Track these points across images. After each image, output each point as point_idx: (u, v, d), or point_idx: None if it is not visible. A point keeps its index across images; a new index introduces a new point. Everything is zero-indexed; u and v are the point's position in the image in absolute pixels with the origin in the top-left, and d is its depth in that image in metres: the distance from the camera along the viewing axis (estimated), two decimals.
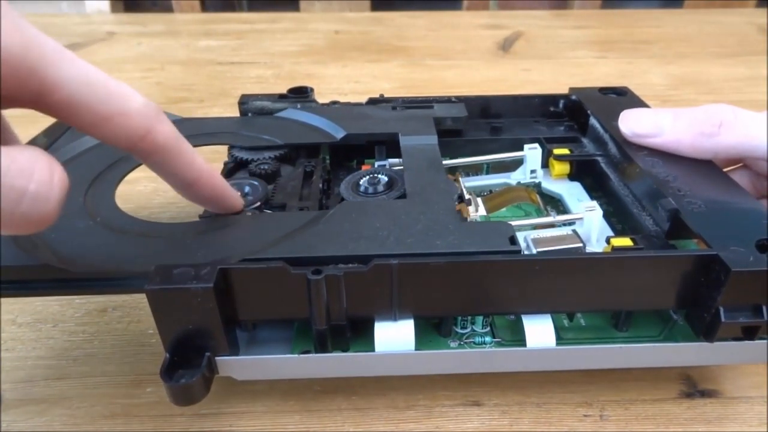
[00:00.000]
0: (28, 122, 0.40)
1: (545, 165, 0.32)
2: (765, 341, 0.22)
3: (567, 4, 0.88)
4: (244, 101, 0.34)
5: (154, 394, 0.25)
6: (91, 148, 0.30)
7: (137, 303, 0.30)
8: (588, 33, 0.75)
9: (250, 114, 0.34)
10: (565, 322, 0.24)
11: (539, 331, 0.22)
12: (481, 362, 0.23)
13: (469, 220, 0.26)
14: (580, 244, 0.24)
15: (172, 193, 0.39)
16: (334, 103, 0.35)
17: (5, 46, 0.14)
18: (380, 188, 0.26)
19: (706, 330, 0.21)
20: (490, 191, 0.32)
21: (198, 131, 0.32)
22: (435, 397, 0.25)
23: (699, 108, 0.26)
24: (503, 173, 0.33)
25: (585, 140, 0.33)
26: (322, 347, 0.22)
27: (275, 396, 0.25)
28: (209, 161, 0.44)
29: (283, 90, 0.35)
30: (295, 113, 0.34)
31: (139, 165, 0.29)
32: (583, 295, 0.21)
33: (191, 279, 0.19)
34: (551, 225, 0.27)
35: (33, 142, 0.29)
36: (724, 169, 0.27)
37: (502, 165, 0.33)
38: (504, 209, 0.30)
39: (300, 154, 0.31)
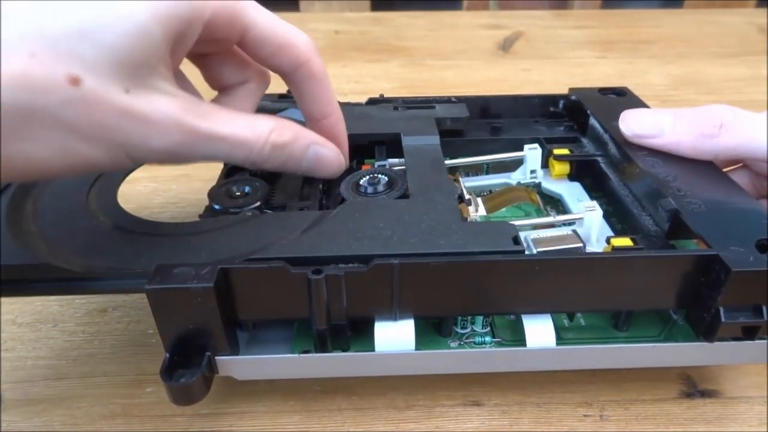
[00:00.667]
0: None
1: (545, 165, 0.32)
2: (765, 341, 0.22)
3: (567, 4, 0.87)
4: None
5: (154, 394, 0.25)
6: None
7: (137, 303, 0.30)
8: (588, 33, 0.75)
9: None
10: (566, 322, 0.24)
11: (539, 331, 0.22)
12: (481, 362, 0.23)
13: (468, 220, 0.26)
14: (580, 244, 0.24)
15: (172, 193, 0.40)
16: None
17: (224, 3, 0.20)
18: (380, 188, 0.26)
19: (705, 330, 0.21)
20: (490, 191, 0.32)
21: None
22: (435, 397, 0.25)
23: (699, 109, 0.26)
24: (503, 173, 0.33)
25: (585, 140, 0.33)
26: (322, 347, 0.22)
27: (275, 396, 0.25)
28: None
29: (284, 90, 0.35)
30: (296, 113, 0.33)
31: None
32: (583, 295, 0.21)
33: (192, 278, 0.19)
34: (551, 225, 0.27)
35: None
36: (724, 169, 0.27)
37: (502, 165, 0.33)
38: (504, 209, 0.30)
39: None
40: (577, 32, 0.75)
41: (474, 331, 0.24)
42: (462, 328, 0.24)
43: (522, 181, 0.32)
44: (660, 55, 0.68)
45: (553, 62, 0.66)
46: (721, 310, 0.20)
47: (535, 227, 0.27)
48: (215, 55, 0.23)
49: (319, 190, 0.28)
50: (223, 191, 0.27)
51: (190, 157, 0.20)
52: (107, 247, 0.22)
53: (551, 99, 0.36)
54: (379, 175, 0.27)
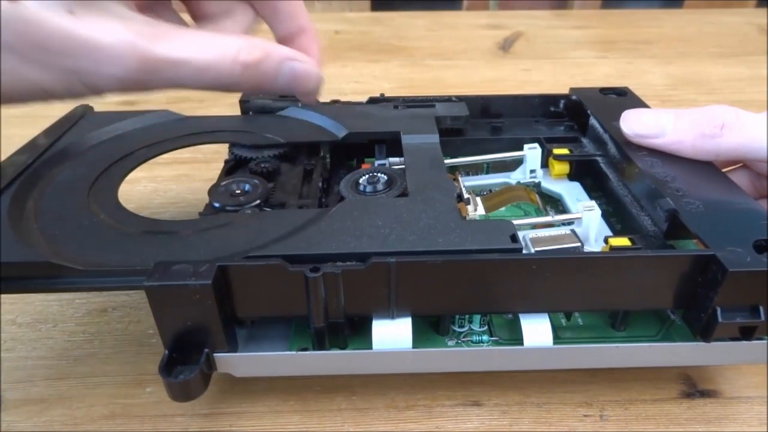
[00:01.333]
0: (28, 122, 0.41)
1: (545, 165, 0.32)
2: (764, 341, 0.22)
3: (567, 4, 0.87)
4: (245, 100, 0.34)
5: (154, 394, 0.25)
6: (94, 146, 0.30)
7: (137, 303, 0.30)
8: (588, 33, 0.75)
9: (251, 113, 0.34)
10: (563, 321, 0.24)
11: (536, 330, 0.22)
12: (478, 361, 0.23)
13: (467, 219, 0.26)
14: (578, 244, 0.24)
15: (172, 193, 0.40)
16: (335, 102, 0.36)
17: None
18: (380, 187, 0.26)
19: (703, 330, 0.21)
20: (490, 191, 0.32)
21: (199, 129, 0.32)
22: (435, 397, 0.25)
23: (701, 109, 0.26)
24: (503, 173, 0.33)
25: (585, 140, 0.33)
26: (320, 345, 0.22)
27: (275, 396, 0.25)
28: (210, 160, 0.45)
29: None
30: (296, 112, 0.34)
31: (141, 164, 0.30)
32: (581, 295, 0.22)
33: (190, 276, 0.19)
34: (550, 224, 0.27)
35: (33, 143, 0.30)
36: (724, 169, 0.27)
37: (501, 164, 0.33)
38: (503, 209, 0.30)
39: (301, 152, 0.31)
40: (577, 32, 0.75)
41: (471, 329, 0.24)
42: (459, 326, 0.24)
43: (521, 181, 0.32)
44: (660, 55, 0.68)
45: (553, 62, 0.66)
46: (719, 310, 0.20)
47: (534, 227, 0.27)
48: None
49: (319, 189, 0.28)
50: (223, 189, 0.27)
51: (155, 84, 0.19)
52: (107, 244, 0.22)
53: (551, 99, 0.36)
54: (379, 174, 0.27)
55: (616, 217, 0.28)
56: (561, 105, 0.36)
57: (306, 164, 0.30)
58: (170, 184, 0.41)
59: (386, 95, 0.36)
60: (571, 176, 0.31)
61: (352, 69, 0.64)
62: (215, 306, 0.20)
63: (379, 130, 0.31)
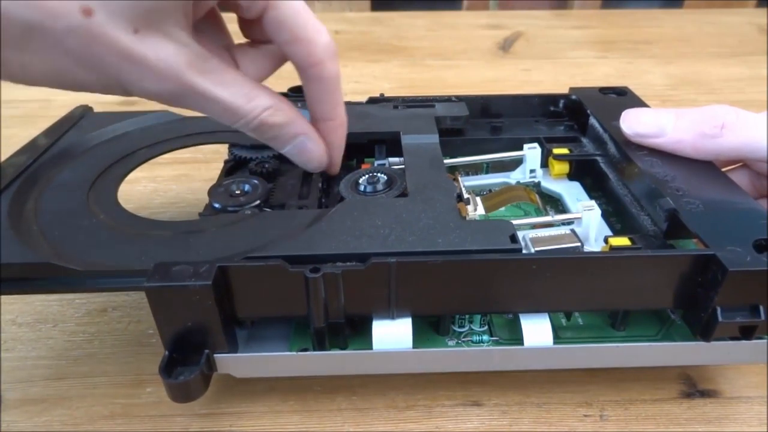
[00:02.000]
0: (28, 123, 0.41)
1: (545, 164, 0.32)
2: (764, 341, 0.22)
3: (567, 4, 0.87)
4: None
5: (154, 394, 0.25)
6: (94, 146, 0.30)
7: (137, 303, 0.30)
8: (588, 33, 0.75)
9: None
10: (563, 321, 0.24)
11: (536, 330, 0.22)
12: (478, 361, 0.23)
13: (467, 219, 0.26)
14: (578, 244, 0.24)
15: (172, 194, 0.40)
16: None
17: None
18: (379, 187, 0.26)
19: (703, 330, 0.21)
20: (490, 190, 0.32)
21: (199, 130, 0.32)
22: (435, 397, 0.25)
23: (701, 109, 0.26)
24: (503, 173, 0.33)
25: (585, 140, 0.33)
26: (320, 345, 0.22)
27: (275, 396, 0.25)
28: (210, 160, 0.45)
29: (284, 89, 0.35)
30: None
31: (141, 164, 0.30)
32: (581, 295, 0.22)
33: (190, 276, 0.19)
34: (550, 224, 0.27)
35: (33, 143, 0.30)
36: (724, 169, 0.27)
37: (501, 164, 0.33)
38: (503, 208, 0.30)
39: None
40: (577, 32, 0.75)
41: (472, 329, 0.24)
42: (460, 326, 0.24)
43: (521, 181, 0.32)
44: (660, 55, 0.68)
45: (553, 62, 0.66)
46: (718, 309, 0.20)
47: (534, 226, 0.27)
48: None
49: (319, 189, 0.28)
50: (222, 190, 0.27)
51: (182, 105, 0.21)
52: (107, 245, 0.22)
53: (551, 98, 0.36)
54: (378, 174, 0.27)
55: (616, 216, 0.28)
56: (561, 105, 0.36)
57: None
58: (170, 184, 0.41)
59: (386, 95, 0.36)
60: (571, 176, 0.31)
61: (352, 69, 0.64)
62: (215, 307, 0.20)
63: (379, 130, 0.31)
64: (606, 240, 0.23)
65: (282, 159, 0.30)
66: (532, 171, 0.32)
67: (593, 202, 0.26)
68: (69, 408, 0.25)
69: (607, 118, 0.31)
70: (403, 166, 0.28)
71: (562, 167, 0.31)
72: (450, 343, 0.23)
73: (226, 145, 0.32)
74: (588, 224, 0.26)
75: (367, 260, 0.20)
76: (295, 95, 0.35)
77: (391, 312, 0.21)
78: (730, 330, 0.21)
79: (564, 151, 0.31)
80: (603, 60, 0.66)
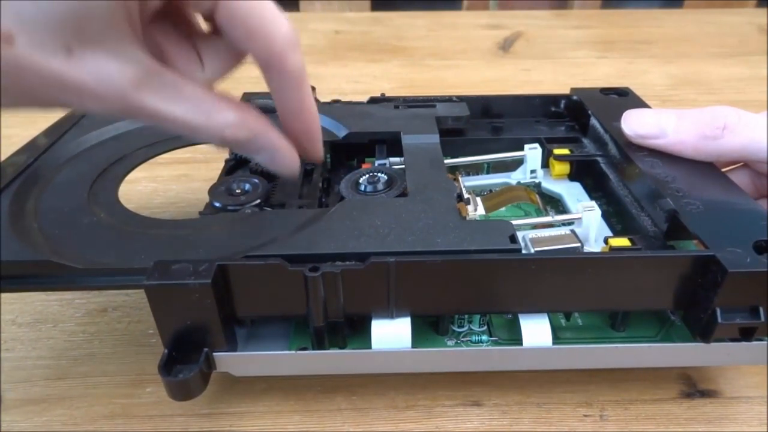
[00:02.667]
0: (28, 122, 0.41)
1: (545, 165, 0.32)
2: (764, 342, 0.22)
3: (567, 4, 0.87)
4: (246, 100, 0.34)
5: (154, 394, 0.25)
6: (94, 145, 0.30)
7: (137, 303, 0.30)
8: (588, 33, 0.75)
9: None
10: (563, 321, 0.24)
11: (535, 330, 0.22)
12: (477, 361, 0.23)
13: (467, 219, 0.26)
14: (578, 244, 0.24)
15: (172, 193, 0.40)
16: (336, 102, 0.35)
17: None
18: (380, 187, 0.26)
19: (702, 331, 0.21)
20: (490, 191, 0.32)
21: None
22: (435, 397, 0.25)
23: (702, 110, 0.26)
24: (503, 173, 0.33)
25: (585, 140, 0.33)
26: (319, 344, 0.22)
27: (275, 396, 0.25)
28: (210, 160, 0.45)
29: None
30: None
31: (141, 163, 0.30)
32: (580, 295, 0.21)
33: (189, 275, 0.19)
34: (550, 225, 0.27)
35: (33, 143, 0.30)
36: (724, 169, 0.27)
37: (502, 164, 0.33)
38: (503, 209, 0.30)
39: None
40: (577, 32, 0.75)
41: (471, 329, 0.24)
42: (459, 326, 0.24)
43: (522, 181, 0.32)
44: (660, 55, 0.68)
45: (553, 62, 0.66)
46: (718, 310, 0.20)
47: (534, 227, 0.27)
48: None
49: (319, 188, 0.28)
50: (223, 189, 0.27)
51: (138, 120, 0.19)
52: (107, 244, 0.22)
53: (552, 99, 0.36)
54: (379, 174, 0.27)
55: (616, 217, 0.28)
56: (561, 105, 0.36)
57: (306, 164, 0.30)
58: (170, 184, 0.41)
59: (386, 95, 0.36)
60: (572, 176, 0.31)
61: (352, 69, 0.64)
62: (215, 305, 0.20)
63: (380, 130, 0.31)
64: (606, 240, 0.23)
65: None
66: (532, 171, 0.32)
67: (593, 203, 0.26)
68: (69, 408, 0.25)
69: (608, 118, 0.31)
70: (403, 166, 0.28)
71: (563, 168, 0.31)
72: (449, 343, 0.23)
73: None
74: (588, 225, 0.26)
75: (367, 260, 0.20)
76: None
77: (390, 311, 0.21)
78: (729, 331, 0.21)
79: (565, 151, 0.31)
80: (603, 60, 0.66)
